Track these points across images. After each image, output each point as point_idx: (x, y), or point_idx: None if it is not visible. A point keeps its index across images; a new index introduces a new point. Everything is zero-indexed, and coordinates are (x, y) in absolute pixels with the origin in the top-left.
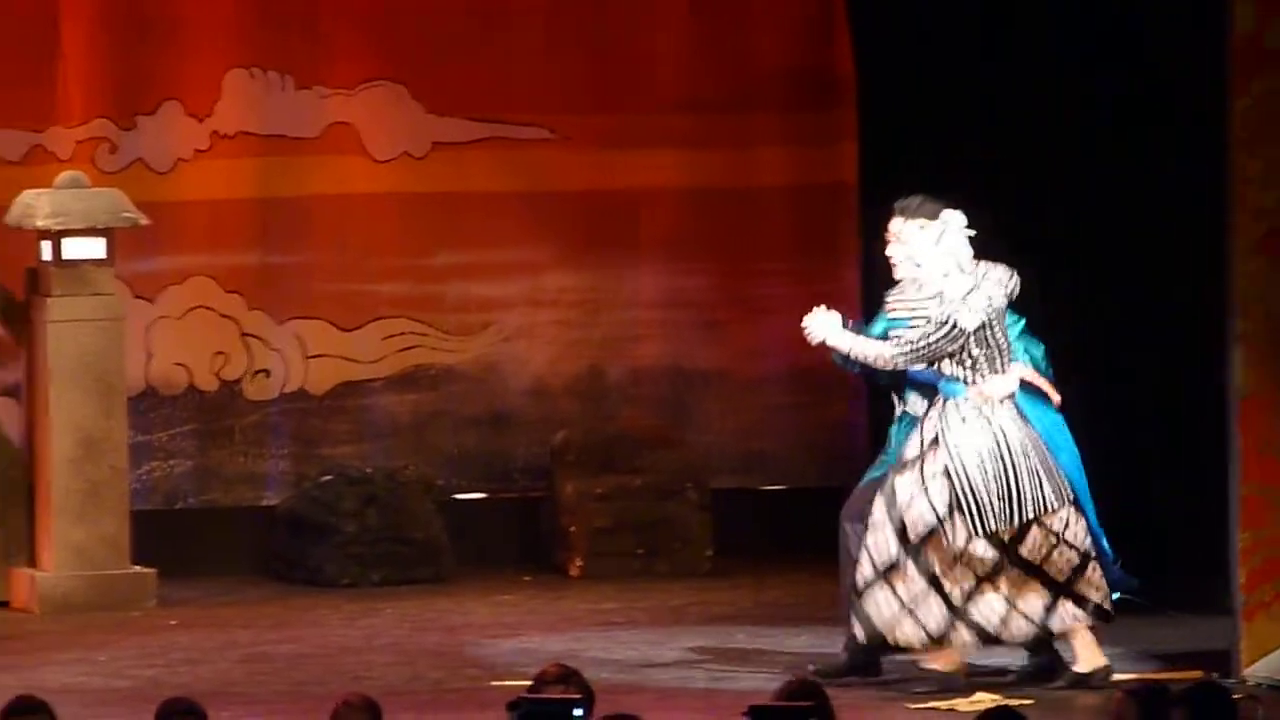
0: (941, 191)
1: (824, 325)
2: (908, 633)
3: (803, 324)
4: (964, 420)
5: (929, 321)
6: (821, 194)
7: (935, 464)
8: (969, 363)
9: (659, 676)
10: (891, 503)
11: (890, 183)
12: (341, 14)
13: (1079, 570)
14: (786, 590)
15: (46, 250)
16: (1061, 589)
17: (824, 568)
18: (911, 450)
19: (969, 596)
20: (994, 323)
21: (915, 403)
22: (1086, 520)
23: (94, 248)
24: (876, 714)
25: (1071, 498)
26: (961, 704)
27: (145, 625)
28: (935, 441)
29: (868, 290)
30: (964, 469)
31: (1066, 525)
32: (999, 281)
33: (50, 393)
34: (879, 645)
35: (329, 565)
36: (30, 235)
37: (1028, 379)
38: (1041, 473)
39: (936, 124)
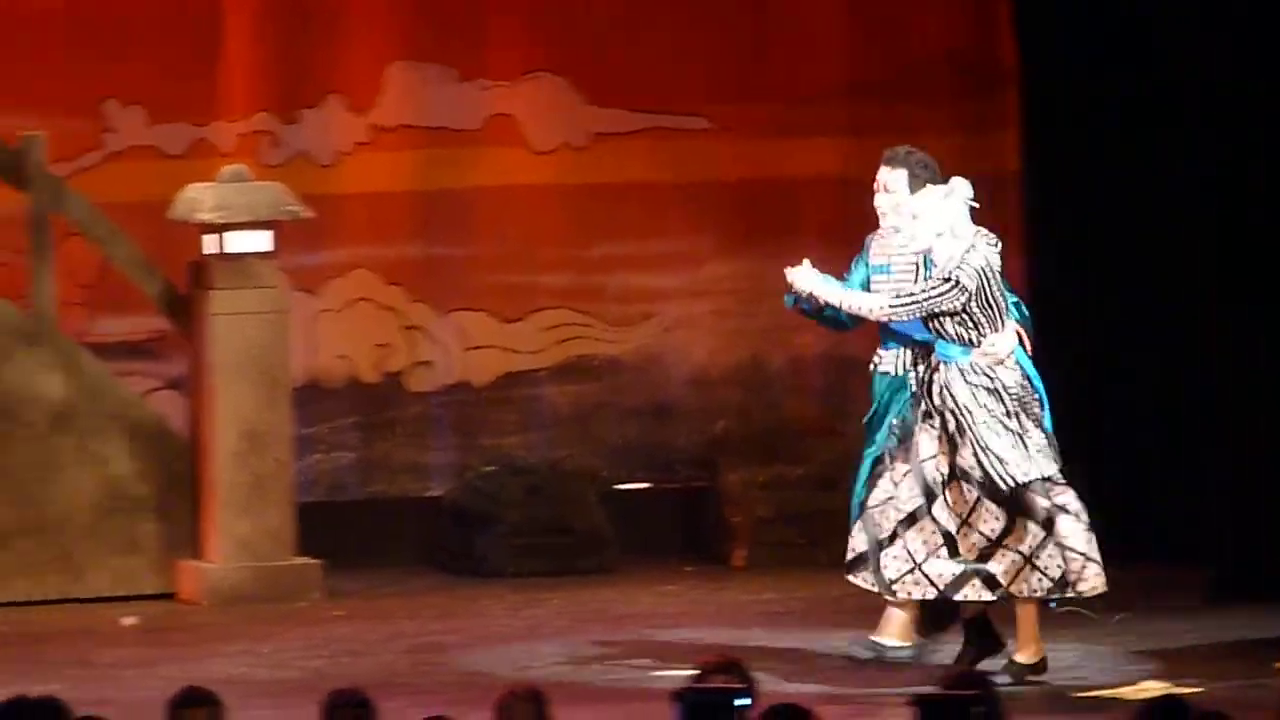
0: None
1: (809, 277)
2: (914, 587)
3: (786, 274)
4: (968, 382)
5: (930, 277)
6: (983, 181)
7: (948, 427)
8: (970, 323)
9: (821, 667)
10: (911, 469)
11: (1053, 169)
12: (503, 6)
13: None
14: None
15: (210, 244)
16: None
17: None
18: (919, 419)
19: (985, 552)
20: (992, 283)
21: (888, 359)
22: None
23: (258, 241)
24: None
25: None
26: (1127, 692)
27: (310, 616)
28: (940, 407)
29: (1034, 277)
30: (972, 427)
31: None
32: (991, 244)
33: (215, 386)
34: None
35: (493, 556)
36: (194, 229)
37: (1021, 336)
38: (1045, 435)
39: (1099, 110)
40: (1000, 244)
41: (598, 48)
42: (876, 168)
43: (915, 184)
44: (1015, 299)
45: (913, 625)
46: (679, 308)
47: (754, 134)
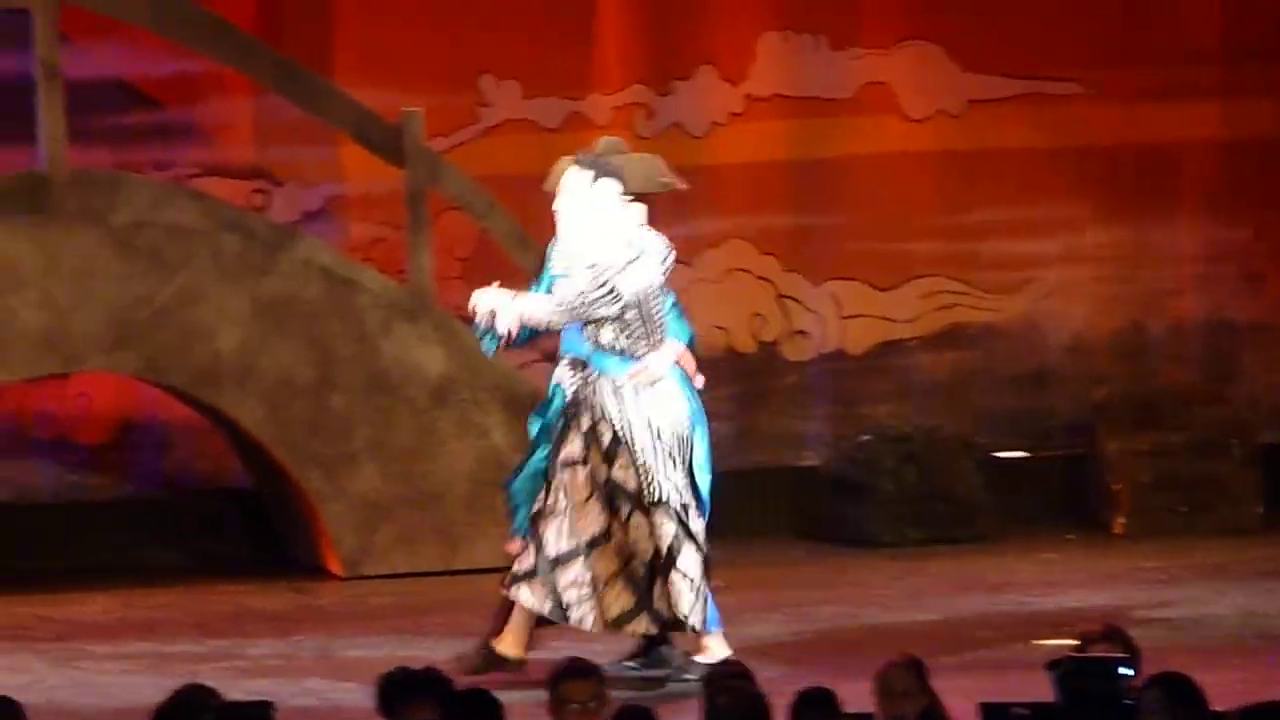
0: None
1: (490, 300)
2: (584, 614)
3: (470, 302)
4: (620, 395)
5: (589, 281)
6: None
7: (601, 440)
8: (626, 335)
9: (1207, 634)
10: (580, 483)
11: None
12: None
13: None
14: None
15: None
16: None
17: None
18: (575, 436)
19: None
20: (651, 297)
21: (563, 372)
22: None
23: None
24: None
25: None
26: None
27: None
28: (596, 420)
29: None
30: (632, 442)
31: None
32: (658, 255)
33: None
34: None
35: (869, 524)
36: None
37: (680, 359)
38: (675, 460)
39: None
40: (672, 253)
41: (972, 14)
42: (1256, 128)
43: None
44: (690, 332)
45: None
46: (1056, 274)
47: (1130, 98)
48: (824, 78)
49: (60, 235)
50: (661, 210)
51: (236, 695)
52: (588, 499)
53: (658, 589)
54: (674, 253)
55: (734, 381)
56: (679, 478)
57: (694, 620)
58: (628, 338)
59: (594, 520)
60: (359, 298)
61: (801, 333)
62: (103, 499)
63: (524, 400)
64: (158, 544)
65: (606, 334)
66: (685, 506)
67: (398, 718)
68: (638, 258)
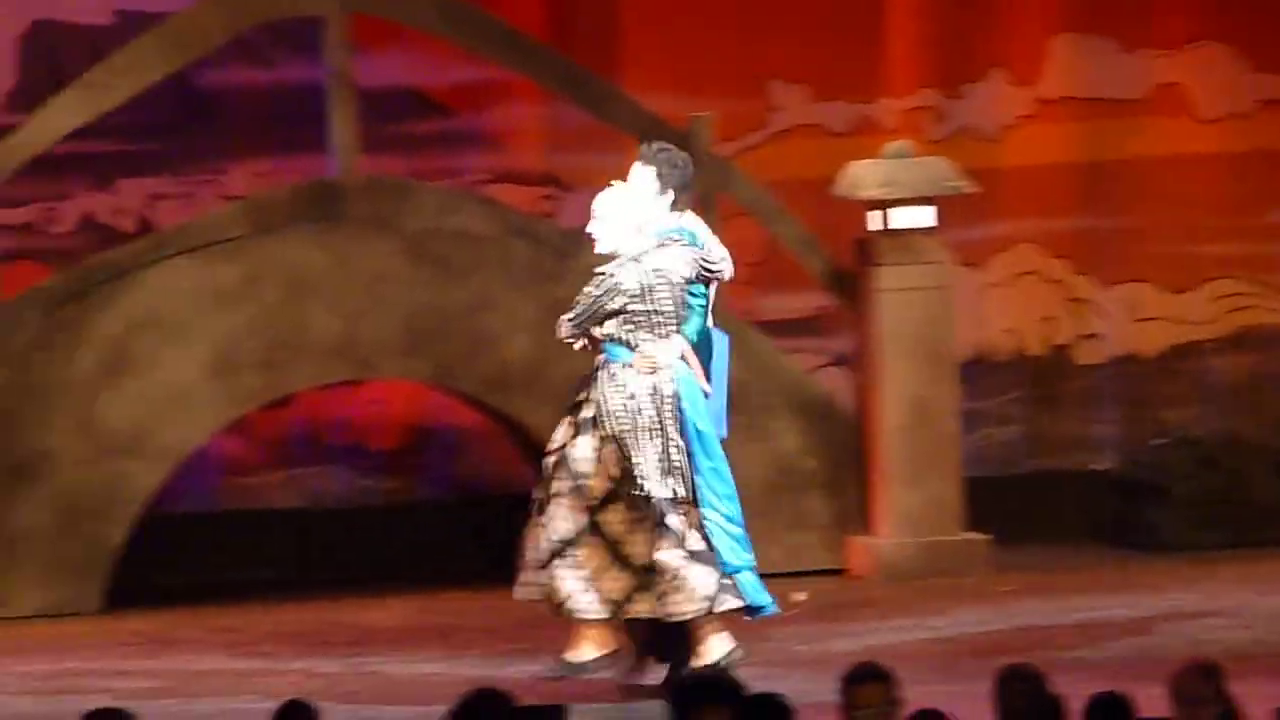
0: None
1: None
2: (585, 604)
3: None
4: (619, 384)
5: (594, 283)
6: None
7: (600, 429)
8: (630, 325)
9: None
10: (570, 471)
11: None
12: None
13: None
14: None
15: (875, 220)
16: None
17: None
18: (580, 418)
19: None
20: (658, 288)
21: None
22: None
23: (922, 216)
24: None
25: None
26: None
27: (979, 591)
28: (596, 408)
29: None
30: (616, 432)
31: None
32: (687, 251)
33: (881, 362)
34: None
35: (1164, 528)
36: (858, 206)
37: (685, 355)
38: (672, 457)
39: None
40: (726, 262)
41: (1263, 14)
42: None
43: (662, 184)
44: (726, 339)
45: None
46: None
47: None
48: (1115, 79)
49: (351, 242)
50: (950, 214)
51: (530, 700)
52: (579, 488)
53: (645, 579)
54: (720, 250)
55: (1023, 385)
56: (653, 464)
57: (674, 609)
58: (633, 330)
59: (584, 512)
60: None
61: (1092, 336)
62: (395, 504)
63: (814, 404)
64: (450, 549)
65: (611, 325)
66: (670, 499)
67: None
68: (650, 251)
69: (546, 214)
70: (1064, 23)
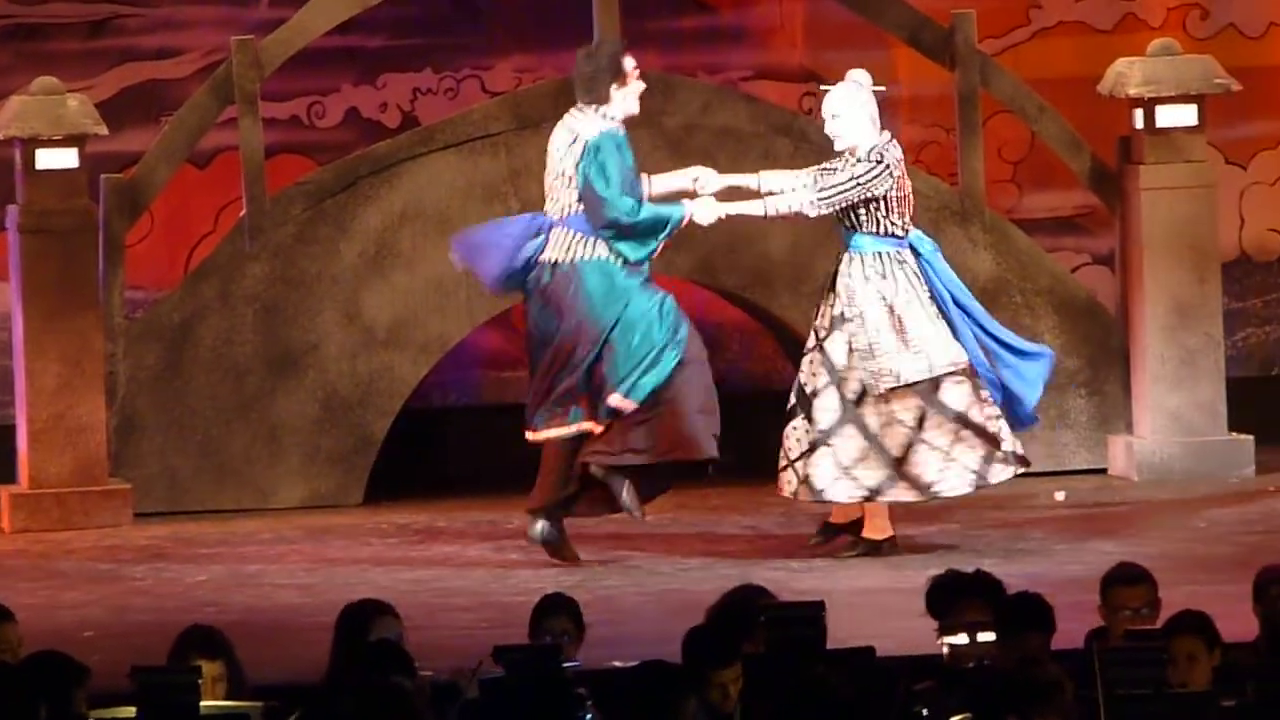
0: None
1: (711, 210)
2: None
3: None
4: (867, 277)
5: (853, 165)
6: None
7: (851, 322)
8: (883, 210)
9: None
10: (829, 365)
11: None
12: None
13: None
14: None
15: (1139, 118)
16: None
17: None
18: (834, 313)
19: (907, 450)
20: (906, 178)
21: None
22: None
23: (1186, 115)
24: None
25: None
26: None
27: (1242, 492)
28: (845, 301)
29: None
30: (868, 322)
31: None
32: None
33: (1143, 261)
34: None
35: None
36: (1122, 104)
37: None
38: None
39: None
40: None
41: None
42: None
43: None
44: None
45: None
46: None
47: None
48: None
49: None
50: (1215, 112)
51: (789, 596)
52: (837, 381)
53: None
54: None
55: None
56: (906, 348)
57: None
58: (886, 215)
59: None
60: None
61: None
62: None
63: (1076, 303)
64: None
65: (863, 214)
66: (930, 377)
67: (948, 618)
68: (892, 139)
69: (807, 111)
70: None
